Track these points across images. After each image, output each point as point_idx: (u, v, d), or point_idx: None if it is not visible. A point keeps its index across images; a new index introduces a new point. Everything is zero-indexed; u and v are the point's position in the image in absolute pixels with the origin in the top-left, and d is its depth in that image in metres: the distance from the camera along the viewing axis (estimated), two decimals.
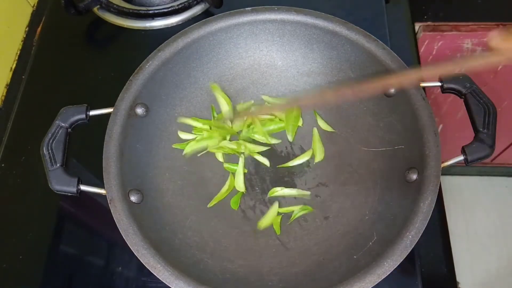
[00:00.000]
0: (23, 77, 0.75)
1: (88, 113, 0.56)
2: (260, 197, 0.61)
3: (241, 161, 0.62)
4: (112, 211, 0.51)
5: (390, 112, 0.59)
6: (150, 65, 0.59)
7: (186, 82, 0.64)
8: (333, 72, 0.64)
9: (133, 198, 0.53)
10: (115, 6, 0.76)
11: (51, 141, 0.54)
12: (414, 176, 0.52)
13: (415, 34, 0.79)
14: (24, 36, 0.81)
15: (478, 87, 0.56)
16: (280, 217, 0.59)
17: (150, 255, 0.48)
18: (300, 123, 0.65)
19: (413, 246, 0.47)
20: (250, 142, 0.63)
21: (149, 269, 0.48)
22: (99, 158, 0.54)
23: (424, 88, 0.56)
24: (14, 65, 0.78)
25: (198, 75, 0.65)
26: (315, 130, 0.64)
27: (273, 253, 0.56)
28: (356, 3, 0.77)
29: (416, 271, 0.56)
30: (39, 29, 0.80)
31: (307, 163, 0.63)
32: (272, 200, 0.60)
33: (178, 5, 0.76)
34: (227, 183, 0.61)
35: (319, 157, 0.62)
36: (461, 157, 0.53)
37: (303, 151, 0.64)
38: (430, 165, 0.51)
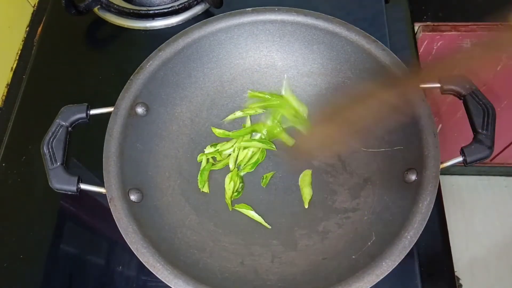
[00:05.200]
0: (24, 77, 0.75)
1: (88, 112, 0.57)
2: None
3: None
4: (112, 210, 0.51)
5: (390, 112, 0.59)
6: (151, 64, 0.59)
7: (186, 82, 0.64)
8: (333, 73, 0.64)
9: (133, 197, 0.53)
10: (115, 6, 0.77)
11: (51, 140, 0.54)
12: (413, 177, 0.52)
13: (414, 34, 0.79)
14: (25, 36, 0.81)
15: (477, 88, 0.56)
16: None
17: (149, 254, 0.48)
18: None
19: (411, 247, 0.47)
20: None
21: (149, 268, 0.48)
22: (99, 157, 0.54)
23: (423, 89, 0.56)
24: (15, 65, 0.78)
25: (199, 75, 0.65)
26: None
27: (272, 252, 0.56)
28: (356, 3, 0.77)
29: (415, 270, 0.57)
30: (39, 29, 0.81)
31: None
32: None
33: (178, 5, 0.76)
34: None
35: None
36: (460, 158, 0.53)
37: None
38: (429, 166, 0.51)
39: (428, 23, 0.83)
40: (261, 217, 0.59)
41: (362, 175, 0.60)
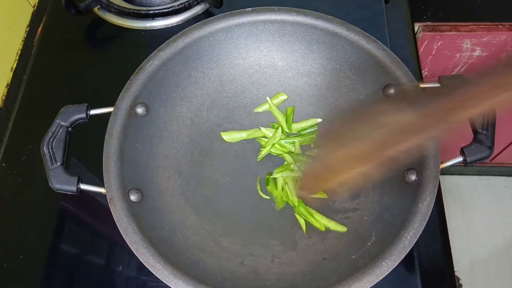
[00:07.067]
0: (24, 77, 0.75)
1: (88, 112, 0.57)
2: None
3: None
4: (111, 210, 0.51)
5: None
6: (151, 65, 0.59)
7: (186, 82, 0.64)
8: (333, 73, 0.64)
9: (132, 197, 0.53)
10: (115, 6, 0.77)
11: (51, 140, 0.54)
12: (413, 177, 0.52)
13: (414, 34, 0.79)
14: (25, 36, 0.81)
15: None
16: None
17: (149, 254, 0.48)
18: None
19: (411, 247, 0.47)
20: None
21: (148, 268, 0.48)
22: (99, 157, 0.54)
23: (424, 88, 0.57)
24: (15, 65, 0.78)
25: (199, 75, 0.65)
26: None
27: (272, 252, 0.56)
28: (356, 3, 0.77)
29: (415, 270, 0.57)
30: (39, 29, 0.81)
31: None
32: None
33: (178, 5, 0.76)
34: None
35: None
36: (460, 158, 0.53)
37: None
38: (429, 166, 0.51)
39: (428, 23, 0.83)
40: (261, 216, 0.59)
41: None
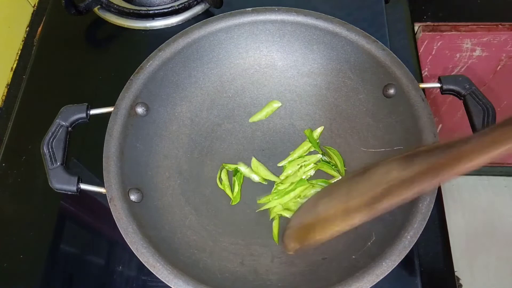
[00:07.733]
0: (24, 77, 0.75)
1: (88, 112, 0.57)
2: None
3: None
4: (112, 210, 0.51)
5: (390, 113, 0.59)
6: (151, 64, 0.59)
7: (186, 82, 0.64)
8: (333, 73, 0.64)
9: (133, 197, 0.53)
10: (115, 6, 0.77)
11: (51, 140, 0.54)
12: None
13: (414, 34, 0.79)
14: (25, 36, 0.81)
15: (477, 88, 0.56)
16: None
17: (149, 254, 0.48)
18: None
19: (411, 247, 0.47)
20: None
21: (148, 268, 0.48)
22: (99, 157, 0.54)
23: (423, 89, 0.57)
24: (15, 65, 0.78)
25: (199, 75, 0.65)
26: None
27: (272, 252, 0.56)
28: (356, 3, 0.77)
29: (415, 270, 0.57)
30: (39, 29, 0.81)
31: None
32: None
33: (178, 5, 0.76)
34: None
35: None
36: None
37: None
38: None
39: (428, 23, 0.83)
40: (261, 216, 0.59)
41: None
